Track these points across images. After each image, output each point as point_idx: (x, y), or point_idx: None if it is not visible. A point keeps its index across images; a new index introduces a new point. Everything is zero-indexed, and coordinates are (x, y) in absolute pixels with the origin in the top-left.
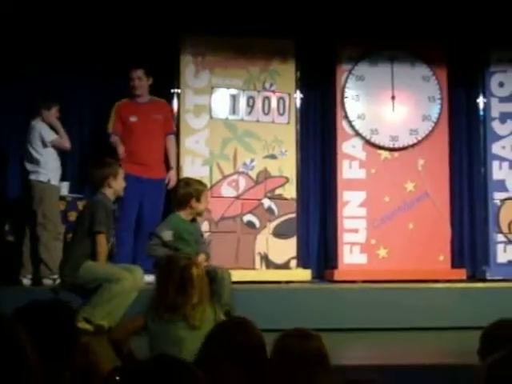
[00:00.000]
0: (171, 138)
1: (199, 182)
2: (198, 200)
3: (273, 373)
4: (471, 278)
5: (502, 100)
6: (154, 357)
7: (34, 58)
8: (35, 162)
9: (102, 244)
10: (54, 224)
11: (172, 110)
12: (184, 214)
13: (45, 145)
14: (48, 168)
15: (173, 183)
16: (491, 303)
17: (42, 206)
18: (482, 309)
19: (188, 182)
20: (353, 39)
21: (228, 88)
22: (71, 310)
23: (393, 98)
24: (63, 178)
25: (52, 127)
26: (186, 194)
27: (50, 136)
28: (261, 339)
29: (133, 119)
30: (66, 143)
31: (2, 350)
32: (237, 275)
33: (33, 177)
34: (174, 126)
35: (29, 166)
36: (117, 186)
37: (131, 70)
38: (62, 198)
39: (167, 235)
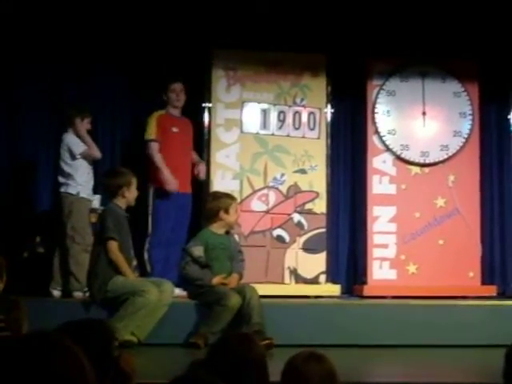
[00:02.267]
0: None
1: (227, 195)
2: (227, 212)
3: None
4: (501, 294)
5: None
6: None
7: (66, 71)
8: (65, 174)
9: (114, 251)
10: (82, 237)
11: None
12: (215, 228)
13: (73, 157)
14: (77, 181)
15: (203, 175)
16: None
17: (71, 219)
18: None
19: (216, 195)
20: (384, 54)
21: (259, 102)
22: (108, 329)
23: (424, 113)
24: (95, 191)
25: (81, 139)
26: (215, 206)
27: (80, 148)
28: (263, 355)
29: (175, 130)
30: (96, 152)
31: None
32: (266, 289)
33: (62, 189)
34: None
35: (60, 179)
36: (130, 195)
37: (173, 83)
38: (94, 211)
39: (197, 251)
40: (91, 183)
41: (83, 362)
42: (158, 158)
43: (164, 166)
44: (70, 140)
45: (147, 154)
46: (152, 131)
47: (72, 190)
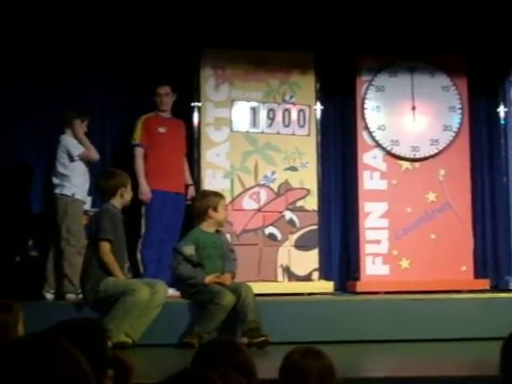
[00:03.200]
0: (185, 160)
1: (215, 193)
2: (216, 210)
3: None
4: (494, 288)
5: None
6: None
7: (58, 73)
8: (60, 176)
9: (107, 252)
10: (77, 239)
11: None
12: (205, 226)
13: (72, 159)
14: (73, 182)
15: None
16: None
17: (65, 221)
18: (506, 319)
19: (204, 193)
20: (372, 50)
21: (248, 101)
22: (101, 327)
23: (413, 108)
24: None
25: (79, 140)
26: (203, 205)
27: (78, 150)
28: (250, 359)
29: (162, 130)
30: (94, 154)
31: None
32: (259, 288)
33: (57, 191)
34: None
35: (54, 180)
36: (128, 196)
37: (159, 86)
38: (85, 213)
39: (189, 250)
40: (87, 185)
41: (83, 363)
42: (138, 165)
43: (141, 174)
44: (68, 141)
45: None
46: (137, 135)
47: (67, 192)
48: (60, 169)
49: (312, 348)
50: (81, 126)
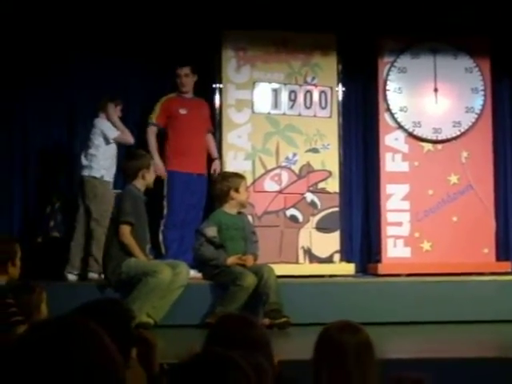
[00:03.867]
0: (211, 137)
1: (236, 174)
2: (237, 191)
3: (320, 366)
4: None
5: None
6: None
7: (75, 56)
8: (90, 157)
9: (126, 235)
10: (106, 220)
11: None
12: (227, 208)
13: (107, 141)
14: (101, 164)
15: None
16: None
17: (95, 202)
18: None
19: (225, 175)
20: (394, 31)
21: (270, 82)
22: (126, 309)
23: (435, 90)
24: None
25: (113, 124)
26: (225, 187)
27: (114, 133)
28: (266, 334)
29: (183, 111)
30: (129, 138)
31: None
32: (280, 269)
33: (85, 173)
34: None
35: (84, 162)
36: (150, 177)
37: (178, 68)
38: None
39: (211, 231)
40: (114, 168)
41: (110, 346)
42: (152, 143)
43: (154, 151)
44: (104, 125)
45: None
46: (154, 115)
47: (96, 174)
48: (92, 151)
49: (349, 322)
50: (114, 110)
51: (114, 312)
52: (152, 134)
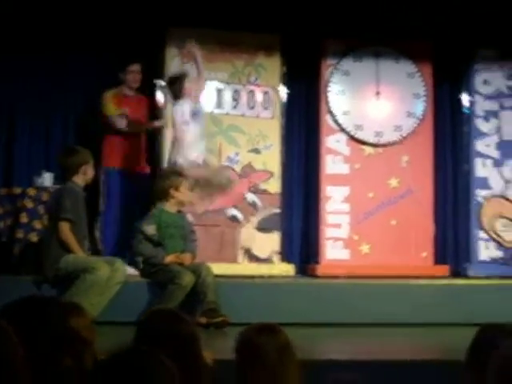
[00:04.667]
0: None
1: (177, 173)
2: (178, 190)
3: (242, 369)
4: (454, 274)
5: (487, 98)
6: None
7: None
8: None
9: (66, 232)
10: None
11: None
12: (167, 206)
13: None
14: None
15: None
16: (472, 300)
17: None
18: (464, 306)
19: (166, 173)
20: (338, 34)
21: (213, 81)
22: (62, 306)
23: (377, 93)
24: (47, 169)
25: None
26: (165, 185)
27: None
28: (195, 330)
29: (125, 110)
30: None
31: None
32: (220, 269)
33: None
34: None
35: None
36: (91, 173)
37: (133, 64)
38: (46, 190)
39: (150, 229)
40: None
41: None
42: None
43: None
44: None
45: (115, 129)
46: (111, 108)
47: None
48: None
49: (267, 324)
50: None
51: (49, 309)
52: (122, 125)
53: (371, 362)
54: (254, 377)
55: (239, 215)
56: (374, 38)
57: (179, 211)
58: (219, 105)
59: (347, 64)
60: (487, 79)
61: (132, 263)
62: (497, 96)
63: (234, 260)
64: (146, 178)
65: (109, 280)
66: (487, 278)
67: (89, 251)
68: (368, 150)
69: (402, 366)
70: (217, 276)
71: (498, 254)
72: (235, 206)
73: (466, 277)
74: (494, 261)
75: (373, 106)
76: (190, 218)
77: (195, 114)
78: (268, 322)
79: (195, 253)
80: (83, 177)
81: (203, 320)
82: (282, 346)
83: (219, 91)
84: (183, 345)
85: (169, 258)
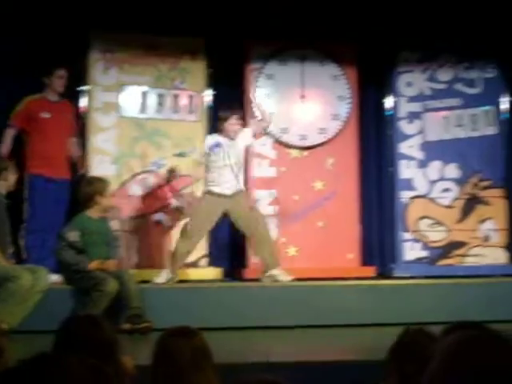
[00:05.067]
0: (74, 140)
1: (101, 179)
2: (102, 195)
3: (156, 372)
4: (380, 275)
5: (410, 100)
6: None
7: None
8: None
9: None
10: None
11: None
12: (90, 212)
13: None
14: None
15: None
16: (397, 301)
17: None
18: (389, 306)
19: (90, 179)
20: (262, 38)
21: (137, 85)
22: None
23: (302, 96)
24: None
25: None
26: (90, 191)
27: None
28: (112, 334)
29: (45, 115)
30: None
31: None
32: (147, 274)
33: None
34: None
35: None
36: (12, 179)
37: (60, 69)
38: None
39: (73, 236)
40: None
41: None
42: (6, 144)
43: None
44: None
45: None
46: (13, 117)
47: None
48: None
49: (182, 327)
50: None
51: None
52: (8, 135)
53: (295, 363)
54: (167, 379)
55: (165, 220)
56: (298, 41)
57: (102, 217)
58: (143, 109)
59: (272, 67)
60: (410, 81)
61: (56, 271)
62: (419, 98)
63: (160, 265)
64: (70, 185)
65: (31, 288)
66: (413, 278)
67: (12, 259)
68: (293, 153)
69: (327, 367)
70: (144, 282)
71: (424, 254)
72: (161, 211)
73: (392, 277)
74: (419, 261)
75: (298, 109)
76: (115, 224)
77: (217, 146)
78: (184, 326)
79: (119, 259)
80: (4, 183)
81: (127, 326)
82: (197, 349)
83: (143, 95)
84: (101, 350)
85: (92, 265)
